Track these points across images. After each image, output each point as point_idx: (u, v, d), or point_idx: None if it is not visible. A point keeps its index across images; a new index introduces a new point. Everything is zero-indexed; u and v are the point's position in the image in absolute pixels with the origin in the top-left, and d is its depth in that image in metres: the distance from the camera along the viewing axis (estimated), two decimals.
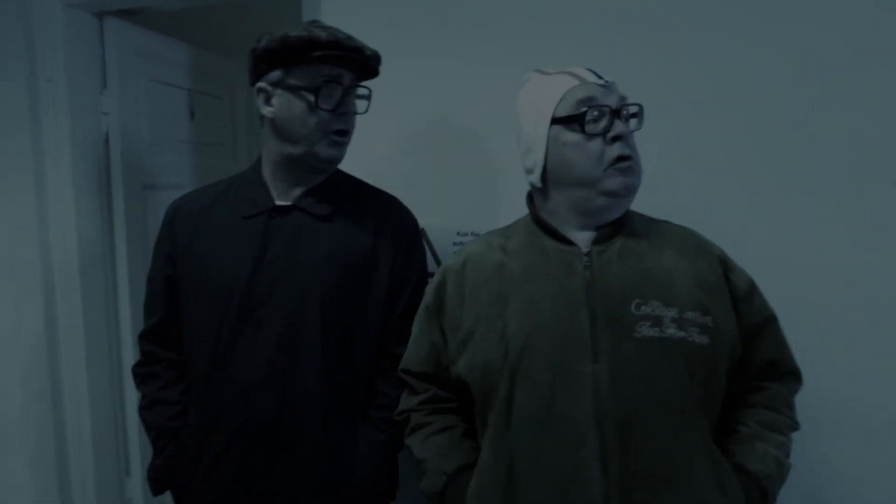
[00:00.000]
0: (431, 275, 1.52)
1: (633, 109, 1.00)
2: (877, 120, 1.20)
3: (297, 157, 1.17)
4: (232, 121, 2.52)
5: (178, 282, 1.24)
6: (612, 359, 0.90)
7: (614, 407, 0.88)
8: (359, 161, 1.56)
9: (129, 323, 1.98)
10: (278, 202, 1.21)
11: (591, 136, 0.95)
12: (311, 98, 1.12)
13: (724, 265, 1.01)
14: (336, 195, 1.23)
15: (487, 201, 1.45)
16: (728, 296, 0.98)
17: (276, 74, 1.14)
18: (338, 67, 1.14)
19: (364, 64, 1.17)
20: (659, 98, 1.31)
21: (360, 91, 1.21)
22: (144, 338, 1.30)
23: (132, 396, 1.97)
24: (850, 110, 1.21)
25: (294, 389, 1.15)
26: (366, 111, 1.22)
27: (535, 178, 1.02)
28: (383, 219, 1.25)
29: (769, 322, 1.02)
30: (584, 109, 0.95)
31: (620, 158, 0.94)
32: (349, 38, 1.15)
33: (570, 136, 0.96)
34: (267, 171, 1.23)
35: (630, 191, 0.97)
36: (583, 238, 0.99)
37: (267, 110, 1.16)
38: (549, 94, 0.99)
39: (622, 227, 1.00)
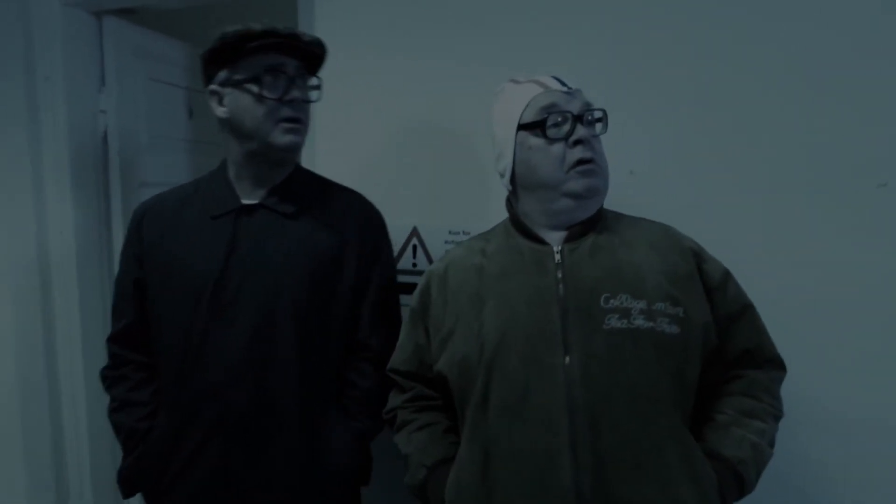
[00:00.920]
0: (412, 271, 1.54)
1: (597, 115, 1.04)
2: (871, 121, 1.20)
3: (257, 152, 1.18)
4: None
5: (147, 283, 1.24)
6: (583, 351, 0.93)
7: (584, 396, 0.91)
8: (351, 160, 1.58)
9: None
10: (245, 201, 1.22)
11: (553, 140, 1.00)
12: (256, 89, 1.13)
13: (697, 257, 1.03)
14: (301, 192, 1.24)
15: (479, 201, 1.46)
16: (701, 287, 1.00)
17: (223, 74, 1.16)
18: (279, 56, 1.14)
19: (306, 52, 1.17)
20: (654, 98, 1.33)
21: (311, 81, 1.21)
22: (113, 341, 1.30)
23: None
24: (844, 112, 1.22)
25: (268, 384, 1.16)
26: (317, 100, 1.22)
27: (506, 181, 1.09)
28: (349, 214, 1.26)
29: (746, 310, 1.03)
30: (546, 115, 1.00)
31: (581, 161, 0.99)
32: (287, 27, 1.15)
33: (535, 141, 1.02)
34: (232, 172, 1.24)
35: (592, 192, 1.01)
36: (555, 237, 1.04)
37: (220, 111, 1.18)
38: (517, 101, 1.05)
39: (594, 225, 1.04)
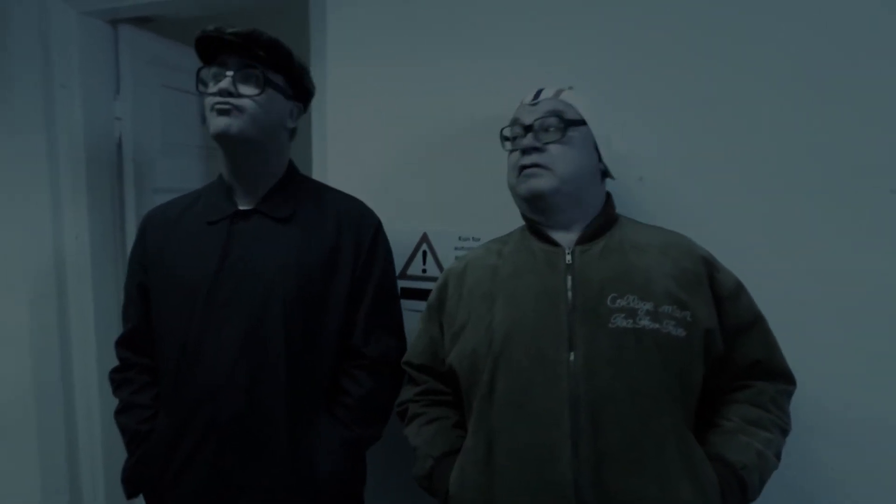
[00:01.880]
0: (415, 276, 1.54)
1: (549, 123, 1.07)
2: (882, 126, 1.20)
3: (220, 148, 1.21)
4: None
5: (150, 289, 1.28)
6: (587, 347, 0.96)
7: (587, 392, 0.93)
8: (361, 167, 1.60)
9: None
10: (241, 207, 1.24)
11: (512, 150, 1.12)
12: (200, 87, 1.18)
13: (710, 265, 1.05)
14: (296, 197, 1.26)
15: (489, 207, 1.46)
16: (709, 293, 1.02)
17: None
18: (222, 55, 1.18)
19: (236, 45, 1.15)
20: (663, 105, 1.33)
21: (248, 72, 1.17)
22: (120, 344, 1.34)
23: None
24: (855, 117, 1.21)
25: (260, 388, 1.16)
26: (260, 93, 1.16)
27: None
28: (344, 219, 1.27)
29: (756, 322, 1.04)
30: (511, 127, 1.13)
31: (523, 167, 1.07)
32: (224, 25, 1.16)
33: (507, 151, 1.15)
34: (226, 177, 1.27)
35: (535, 195, 1.06)
36: (568, 239, 1.08)
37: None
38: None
39: (606, 228, 1.08)
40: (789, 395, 1.06)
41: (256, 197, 1.24)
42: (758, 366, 1.04)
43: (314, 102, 1.64)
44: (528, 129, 1.08)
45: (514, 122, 1.12)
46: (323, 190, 1.33)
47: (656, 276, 1.00)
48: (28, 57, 1.89)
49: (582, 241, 1.06)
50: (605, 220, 1.09)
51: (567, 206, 1.07)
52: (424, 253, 1.55)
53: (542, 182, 1.05)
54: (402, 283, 1.56)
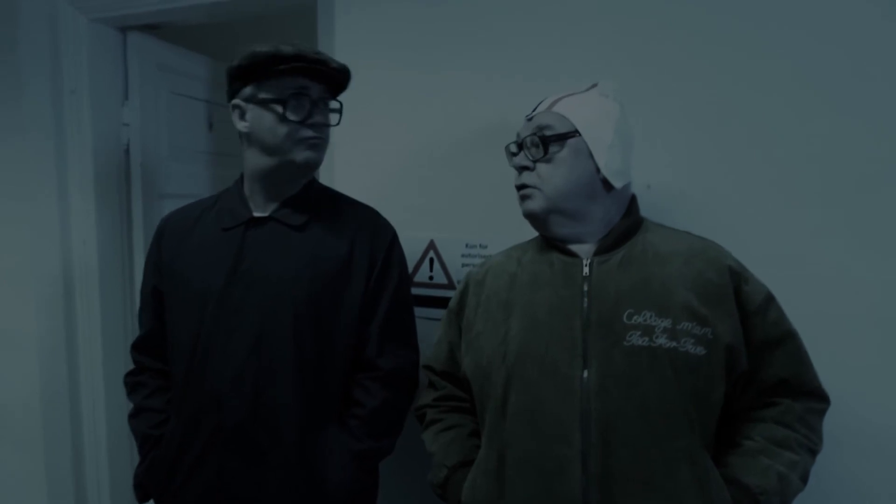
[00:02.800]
0: (429, 284, 1.54)
1: (532, 141, 1.05)
2: (881, 131, 1.20)
3: (273, 168, 1.20)
4: None
5: (163, 293, 1.28)
6: (601, 365, 0.93)
7: (599, 410, 0.92)
8: (369, 173, 1.60)
9: None
10: (256, 214, 1.23)
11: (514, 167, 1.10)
12: (280, 109, 1.15)
13: (738, 277, 1.00)
14: (312, 205, 1.25)
15: (496, 214, 1.46)
16: (734, 308, 0.97)
17: (248, 90, 1.18)
18: (305, 80, 1.17)
19: (332, 77, 1.20)
20: (670, 113, 1.33)
21: (332, 104, 1.24)
22: (135, 348, 1.35)
23: None
24: (860, 125, 1.21)
25: (266, 396, 1.16)
26: (337, 124, 1.25)
27: None
28: (359, 228, 1.26)
29: (787, 338, 1.00)
30: (509, 143, 1.12)
31: (518, 188, 1.07)
32: (316, 52, 1.17)
33: None
34: (246, 185, 1.26)
35: (529, 216, 1.07)
36: (586, 249, 1.04)
37: (241, 125, 1.20)
38: None
39: (627, 237, 1.04)
40: (821, 413, 1.01)
41: (273, 205, 1.24)
42: (785, 384, 0.99)
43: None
44: (520, 146, 1.07)
45: (516, 137, 1.10)
46: (339, 199, 1.33)
47: (677, 289, 0.96)
48: (38, 63, 1.91)
49: (600, 251, 1.02)
50: (627, 228, 1.04)
51: (566, 223, 1.04)
52: (431, 260, 1.56)
53: (533, 204, 1.04)
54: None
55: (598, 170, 1.03)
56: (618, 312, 0.95)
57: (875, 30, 1.20)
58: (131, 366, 1.36)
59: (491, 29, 1.47)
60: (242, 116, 1.20)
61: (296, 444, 1.17)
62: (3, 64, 1.93)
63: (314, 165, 1.23)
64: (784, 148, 1.26)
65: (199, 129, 2.29)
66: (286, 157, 1.17)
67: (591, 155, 1.02)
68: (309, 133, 1.17)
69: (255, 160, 1.21)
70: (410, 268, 1.56)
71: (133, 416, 1.30)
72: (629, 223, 1.05)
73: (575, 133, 1.03)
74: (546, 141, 1.03)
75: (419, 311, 1.54)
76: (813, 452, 0.98)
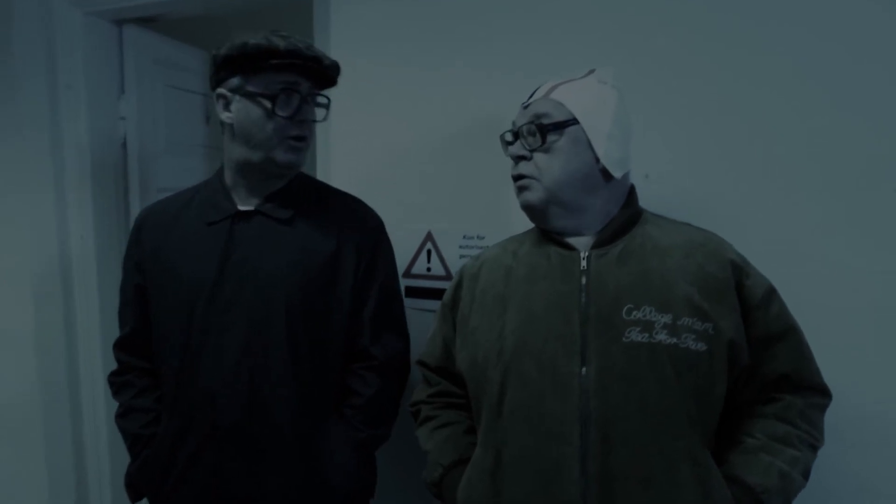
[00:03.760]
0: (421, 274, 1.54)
1: (529, 130, 1.01)
2: (886, 126, 1.19)
3: (256, 163, 1.17)
4: None
5: (147, 290, 1.25)
6: (600, 362, 0.91)
7: (598, 408, 0.89)
8: (366, 165, 1.60)
9: None
10: (241, 207, 1.21)
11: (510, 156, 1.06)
12: (269, 105, 1.12)
13: (739, 271, 0.97)
14: (298, 198, 1.23)
15: (494, 205, 1.46)
16: (736, 302, 0.95)
17: (235, 81, 1.15)
18: (295, 75, 1.15)
19: (322, 73, 1.18)
20: (669, 103, 1.33)
21: (319, 100, 1.21)
22: (118, 347, 1.33)
23: None
24: (859, 117, 1.21)
25: (262, 393, 1.15)
26: (324, 119, 1.23)
27: None
28: (346, 219, 1.25)
29: (788, 333, 0.98)
30: (505, 132, 1.07)
31: (513, 178, 1.04)
32: (308, 47, 1.15)
33: None
34: (228, 177, 1.23)
35: (527, 208, 1.03)
36: (584, 242, 1.01)
37: (226, 116, 1.17)
38: None
39: (626, 229, 1.01)
40: (822, 408, 1.00)
41: (258, 198, 1.22)
42: (786, 379, 0.97)
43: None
44: (516, 135, 1.04)
45: (512, 126, 1.07)
46: (326, 191, 1.32)
47: (677, 283, 0.94)
48: (33, 57, 1.90)
49: (598, 244, 0.99)
50: (626, 220, 1.01)
51: (565, 215, 1.01)
52: (429, 251, 1.56)
53: (531, 195, 1.01)
54: (406, 282, 1.56)
55: (597, 159, 0.99)
56: (617, 307, 0.93)
57: (875, 26, 1.19)
58: None
59: (487, 24, 1.47)
60: (227, 107, 1.16)
61: (294, 439, 1.16)
62: None
63: (295, 168, 1.21)
64: (784, 143, 1.26)
65: (196, 122, 2.29)
66: (269, 153, 1.15)
67: (589, 144, 0.99)
68: (295, 132, 1.16)
69: (237, 152, 1.18)
70: (408, 259, 1.56)
71: (121, 416, 1.28)
72: (628, 215, 1.02)
73: (573, 121, 0.99)
74: (543, 129, 0.99)
75: (416, 303, 1.55)
76: (814, 448, 0.97)
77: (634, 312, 0.92)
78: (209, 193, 1.26)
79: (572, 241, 1.01)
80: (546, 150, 1.00)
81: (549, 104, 1.01)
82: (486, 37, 1.47)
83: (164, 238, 1.24)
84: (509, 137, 1.06)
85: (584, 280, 0.97)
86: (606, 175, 1.01)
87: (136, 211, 2.02)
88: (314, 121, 1.21)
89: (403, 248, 1.56)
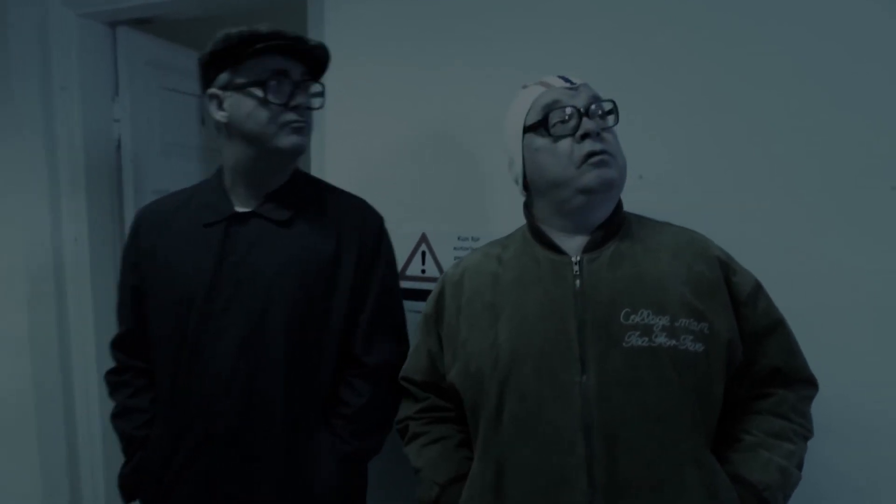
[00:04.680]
0: (422, 278, 1.53)
1: (607, 106, 0.99)
2: (882, 124, 1.20)
3: (256, 159, 1.14)
4: None
5: (143, 291, 1.23)
6: (600, 369, 0.89)
7: (601, 416, 0.87)
8: (360, 166, 1.59)
9: None
10: (238, 209, 1.18)
11: (559, 137, 0.96)
12: (260, 93, 1.09)
13: (726, 267, 0.98)
14: (297, 198, 1.20)
15: (488, 207, 1.46)
16: (727, 299, 0.95)
17: (224, 77, 1.12)
18: (284, 60, 1.11)
19: (311, 56, 1.15)
20: (664, 102, 1.33)
21: (315, 88, 1.18)
22: (115, 346, 1.31)
23: None
24: (855, 115, 1.21)
25: (257, 399, 1.13)
26: (321, 107, 1.19)
27: (520, 188, 1.06)
28: (346, 221, 1.21)
29: (777, 326, 0.99)
30: (548, 113, 0.97)
31: (591, 154, 0.93)
32: (294, 32, 1.12)
33: (540, 142, 0.98)
34: (227, 179, 1.21)
35: (607, 185, 0.95)
36: (574, 245, 0.99)
37: (220, 115, 1.14)
38: (521, 105, 1.02)
39: (615, 231, 0.99)
40: (811, 399, 1.01)
41: (257, 199, 1.19)
42: (778, 373, 0.98)
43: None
44: (582, 113, 0.95)
45: (554, 105, 0.97)
46: (326, 190, 1.28)
47: (671, 284, 0.93)
48: (27, 59, 1.89)
49: (590, 247, 0.97)
50: (615, 223, 0.99)
51: (608, 204, 0.98)
52: (423, 253, 1.55)
53: (612, 172, 0.94)
54: (401, 284, 1.56)
55: None
56: (614, 312, 0.91)
57: (874, 24, 1.19)
58: None
59: (482, 24, 1.47)
60: (220, 106, 1.14)
61: (287, 447, 1.14)
62: None
63: (300, 151, 1.17)
64: (783, 142, 1.26)
65: (191, 124, 2.28)
66: (270, 144, 1.12)
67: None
68: (292, 116, 1.12)
69: (235, 152, 1.16)
70: (402, 261, 1.56)
71: (117, 416, 1.26)
72: (617, 217, 1.00)
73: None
74: (616, 109, 0.98)
75: (411, 305, 1.54)
76: (806, 439, 0.97)
77: (632, 316, 0.90)
78: (207, 194, 1.23)
79: (563, 243, 0.99)
80: (612, 133, 0.98)
81: (594, 90, 1.00)
82: (484, 36, 1.47)
83: (160, 239, 1.21)
84: (572, 114, 0.96)
85: (577, 285, 0.95)
86: None
87: (130, 213, 2.02)
88: (310, 108, 1.17)
89: (398, 249, 1.54)
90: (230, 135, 1.16)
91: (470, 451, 1.04)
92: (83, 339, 1.99)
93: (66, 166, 1.94)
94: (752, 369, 0.98)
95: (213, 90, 1.15)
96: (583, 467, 0.87)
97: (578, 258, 0.97)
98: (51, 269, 1.95)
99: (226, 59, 1.11)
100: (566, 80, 1.02)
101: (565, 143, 0.95)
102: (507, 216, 1.22)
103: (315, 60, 1.17)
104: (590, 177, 0.93)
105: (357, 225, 1.22)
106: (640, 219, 1.05)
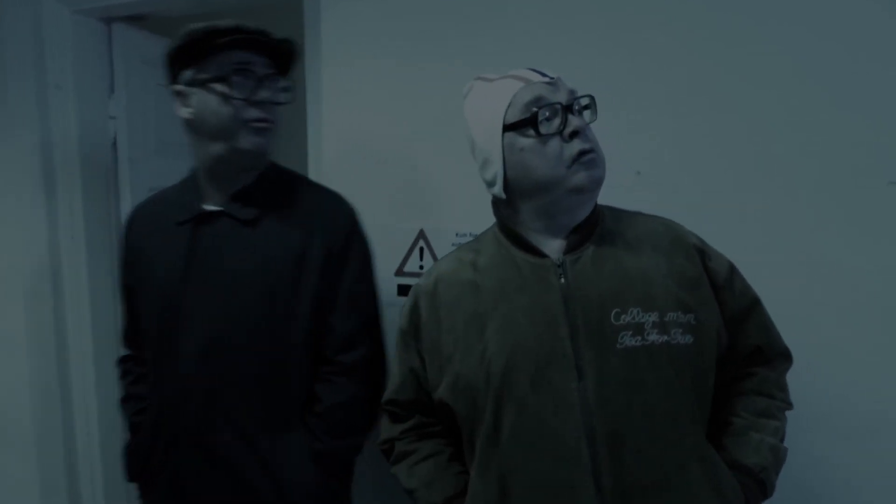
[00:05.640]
0: None
1: (585, 101, 0.95)
2: (879, 120, 1.20)
3: (222, 157, 1.12)
4: None
5: (133, 288, 1.25)
6: (597, 373, 0.87)
7: (602, 422, 0.86)
8: (358, 163, 1.59)
9: None
10: (207, 207, 1.16)
11: (547, 136, 0.91)
12: (223, 88, 1.08)
13: (702, 254, 0.97)
14: (266, 196, 1.17)
15: (485, 203, 1.45)
16: (709, 288, 0.95)
17: (188, 73, 1.11)
18: (247, 54, 1.09)
19: (277, 49, 1.13)
20: (660, 99, 1.33)
21: (282, 83, 1.15)
22: (122, 336, 1.36)
23: None
24: (851, 110, 1.22)
25: (221, 402, 1.12)
26: (287, 102, 1.16)
27: (498, 189, 0.98)
28: (316, 216, 1.18)
29: (753, 305, 1.00)
30: (535, 110, 0.90)
31: (582, 153, 0.90)
32: (256, 26, 1.10)
33: (526, 141, 0.92)
34: (199, 177, 1.20)
35: (596, 183, 0.92)
36: (554, 247, 0.96)
37: (184, 112, 1.12)
38: (496, 101, 0.95)
39: (593, 229, 0.96)
40: (787, 371, 1.02)
41: (225, 197, 1.16)
42: (759, 351, 0.99)
43: (311, 100, 1.64)
44: (566, 109, 0.91)
45: (539, 102, 0.92)
46: (298, 185, 1.24)
47: (655, 278, 0.91)
48: (21, 57, 1.88)
49: (570, 248, 0.94)
50: (592, 221, 0.96)
51: (593, 201, 0.96)
52: (422, 249, 1.55)
53: (601, 170, 0.92)
54: (398, 281, 1.56)
55: None
56: (604, 313, 0.89)
57: (873, 23, 1.20)
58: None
59: (479, 21, 1.46)
60: (186, 103, 1.12)
61: (252, 448, 1.12)
62: None
63: (262, 153, 1.15)
64: (777, 134, 1.26)
65: None
66: (232, 143, 1.10)
67: None
68: (255, 114, 1.09)
69: (202, 149, 1.14)
70: (400, 258, 1.56)
71: (121, 401, 1.31)
72: (595, 214, 0.97)
73: None
74: (594, 104, 0.94)
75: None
76: (787, 410, 1.00)
77: (623, 316, 0.88)
78: (183, 192, 1.23)
79: (542, 245, 0.96)
80: (590, 128, 0.94)
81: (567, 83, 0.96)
82: (482, 33, 1.47)
83: (145, 237, 1.23)
84: (550, 112, 0.91)
85: (563, 290, 0.91)
86: None
87: (126, 211, 2.01)
88: (277, 103, 1.14)
89: (396, 246, 1.55)
90: (196, 132, 1.14)
91: (461, 465, 1.02)
92: (80, 337, 1.99)
93: (62, 164, 1.93)
94: (734, 350, 0.98)
95: (178, 87, 1.13)
96: (589, 474, 0.85)
97: (561, 260, 0.93)
98: (47, 268, 1.94)
99: (190, 55, 1.09)
100: (541, 73, 0.96)
101: (554, 143, 0.91)
102: None
103: (283, 55, 1.15)
104: (581, 176, 0.90)
105: (327, 221, 1.19)
106: (614, 211, 1.02)
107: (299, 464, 1.13)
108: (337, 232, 1.19)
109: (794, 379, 1.06)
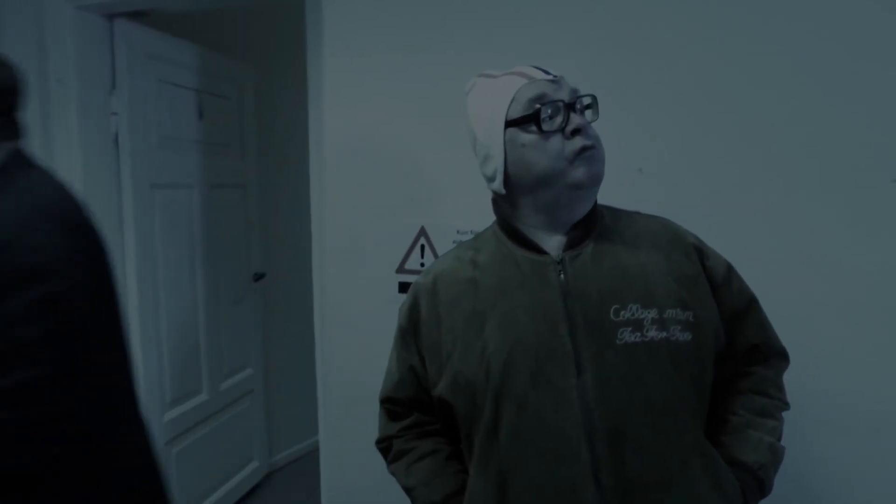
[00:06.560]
0: None
1: (587, 101, 0.96)
2: (881, 118, 1.20)
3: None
4: (240, 121, 2.55)
5: None
6: (596, 369, 0.87)
7: (602, 418, 0.86)
8: (358, 160, 1.59)
9: (136, 319, 2.01)
10: None
11: (549, 133, 0.91)
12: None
13: (700, 253, 0.98)
14: None
15: (487, 199, 1.45)
16: (707, 287, 0.95)
17: None
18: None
19: None
20: (663, 97, 1.33)
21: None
22: None
23: (141, 390, 1.99)
24: (854, 108, 1.22)
25: None
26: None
27: (498, 185, 0.98)
28: None
29: (751, 305, 1.00)
30: (538, 107, 0.91)
31: (584, 149, 0.90)
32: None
33: (528, 137, 0.92)
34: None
35: (596, 179, 0.92)
36: (554, 244, 0.96)
37: None
38: (499, 97, 0.96)
39: (593, 226, 0.97)
40: (785, 370, 1.03)
41: None
42: (756, 350, 1.00)
43: (312, 97, 1.64)
44: (568, 107, 0.92)
45: (542, 99, 0.92)
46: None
47: (655, 276, 0.92)
48: (23, 52, 1.88)
49: (570, 245, 0.94)
50: (592, 219, 0.97)
51: (593, 197, 0.96)
52: (423, 247, 1.55)
53: (600, 166, 0.92)
54: (399, 278, 1.56)
55: None
56: (604, 310, 0.89)
57: (872, 22, 1.20)
58: None
59: (482, 17, 1.46)
60: None
61: None
62: None
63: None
64: (779, 131, 1.26)
65: (189, 117, 2.28)
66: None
67: None
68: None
69: None
70: (401, 255, 1.56)
71: None
72: (595, 212, 0.97)
73: None
74: (596, 104, 0.95)
75: None
76: (784, 410, 1.00)
77: (622, 312, 0.89)
78: None
79: (542, 242, 0.96)
80: (591, 126, 0.94)
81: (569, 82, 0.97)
82: (487, 29, 1.47)
83: None
84: (559, 109, 0.92)
85: (563, 286, 0.92)
86: None
87: (128, 207, 2.01)
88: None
89: (396, 243, 1.55)
90: None
91: (460, 463, 1.02)
92: None
93: (63, 161, 1.92)
94: (731, 349, 0.98)
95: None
96: (589, 472, 0.85)
97: (560, 257, 0.94)
98: None
99: None
100: (544, 71, 0.97)
101: (555, 140, 0.91)
102: None
103: None
104: (580, 172, 0.90)
105: None
106: (612, 210, 1.03)
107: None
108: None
109: (795, 378, 1.06)
